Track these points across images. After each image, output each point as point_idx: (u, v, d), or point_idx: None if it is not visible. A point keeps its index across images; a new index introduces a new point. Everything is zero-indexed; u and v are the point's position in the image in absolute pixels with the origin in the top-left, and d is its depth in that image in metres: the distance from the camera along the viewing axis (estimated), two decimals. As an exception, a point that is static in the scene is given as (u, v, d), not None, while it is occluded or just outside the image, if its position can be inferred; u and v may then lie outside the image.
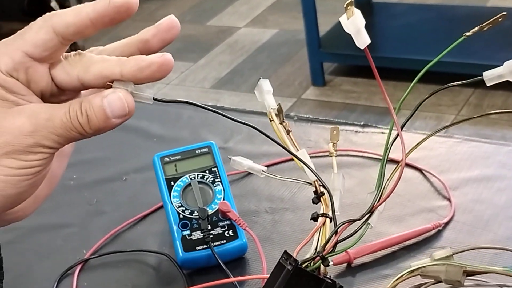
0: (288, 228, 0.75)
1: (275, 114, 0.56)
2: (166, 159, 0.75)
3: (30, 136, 0.46)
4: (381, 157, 0.83)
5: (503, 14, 0.52)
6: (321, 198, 0.55)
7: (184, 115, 0.97)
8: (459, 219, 0.72)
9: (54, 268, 0.73)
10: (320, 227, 0.53)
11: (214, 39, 3.08)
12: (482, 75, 0.52)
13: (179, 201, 0.72)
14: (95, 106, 0.45)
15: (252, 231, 0.70)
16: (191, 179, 0.73)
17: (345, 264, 0.68)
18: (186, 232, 0.70)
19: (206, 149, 0.76)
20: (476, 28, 0.54)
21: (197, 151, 0.76)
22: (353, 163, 0.83)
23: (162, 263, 0.72)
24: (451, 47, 0.55)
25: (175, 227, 0.71)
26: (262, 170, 0.57)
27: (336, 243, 0.52)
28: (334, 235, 0.52)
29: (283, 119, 0.56)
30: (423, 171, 0.80)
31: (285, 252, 0.53)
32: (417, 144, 0.57)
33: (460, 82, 0.54)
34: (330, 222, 0.53)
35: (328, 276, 0.53)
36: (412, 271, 0.53)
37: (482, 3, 2.91)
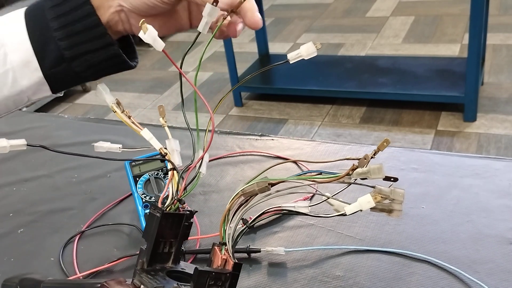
0: (214, 204, 0.72)
1: (116, 106, 0.47)
2: (133, 163, 0.70)
3: None
4: (272, 155, 0.80)
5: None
6: (166, 158, 0.46)
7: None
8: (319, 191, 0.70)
9: (62, 237, 0.68)
10: (171, 179, 0.45)
11: (173, 79, 3.00)
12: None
13: (142, 190, 0.67)
14: None
15: (191, 207, 0.66)
16: (149, 175, 0.69)
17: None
18: (147, 211, 0.66)
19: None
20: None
21: (152, 158, 0.71)
22: (254, 160, 0.80)
23: (132, 231, 0.68)
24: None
25: (140, 207, 0.66)
26: (119, 147, 0.49)
27: (185, 187, 0.44)
28: (181, 181, 0.44)
29: (123, 109, 0.47)
30: (297, 162, 0.78)
31: (152, 204, 0.44)
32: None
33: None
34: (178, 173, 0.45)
35: (186, 209, 0.45)
36: (237, 194, 0.42)
37: (335, 53, 2.94)
